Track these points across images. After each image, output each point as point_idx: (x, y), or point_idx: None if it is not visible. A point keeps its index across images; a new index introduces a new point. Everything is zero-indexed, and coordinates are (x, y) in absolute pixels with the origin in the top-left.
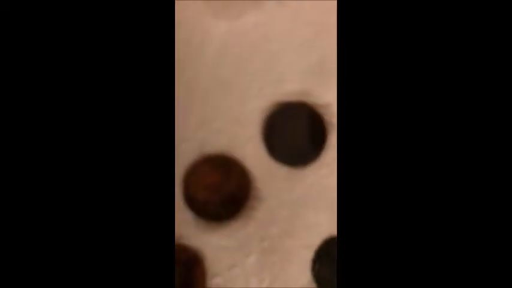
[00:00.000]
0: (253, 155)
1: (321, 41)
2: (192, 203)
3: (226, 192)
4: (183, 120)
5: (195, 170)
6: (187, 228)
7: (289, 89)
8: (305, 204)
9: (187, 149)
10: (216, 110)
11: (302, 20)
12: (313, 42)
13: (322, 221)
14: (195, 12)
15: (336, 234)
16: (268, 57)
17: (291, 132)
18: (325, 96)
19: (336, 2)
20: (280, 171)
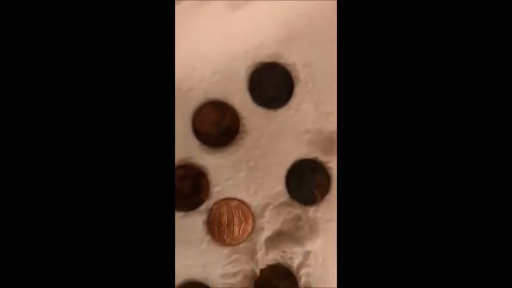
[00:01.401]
0: (241, 100)
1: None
2: (198, 134)
3: (222, 127)
4: (191, 75)
5: (200, 111)
6: (195, 151)
7: (266, 53)
8: (278, 135)
9: (194, 96)
10: (214, 67)
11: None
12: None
13: (291, 148)
14: None
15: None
16: (252, 30)
17: (267, 84)
18: (292, 58)
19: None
20: (260, 112)
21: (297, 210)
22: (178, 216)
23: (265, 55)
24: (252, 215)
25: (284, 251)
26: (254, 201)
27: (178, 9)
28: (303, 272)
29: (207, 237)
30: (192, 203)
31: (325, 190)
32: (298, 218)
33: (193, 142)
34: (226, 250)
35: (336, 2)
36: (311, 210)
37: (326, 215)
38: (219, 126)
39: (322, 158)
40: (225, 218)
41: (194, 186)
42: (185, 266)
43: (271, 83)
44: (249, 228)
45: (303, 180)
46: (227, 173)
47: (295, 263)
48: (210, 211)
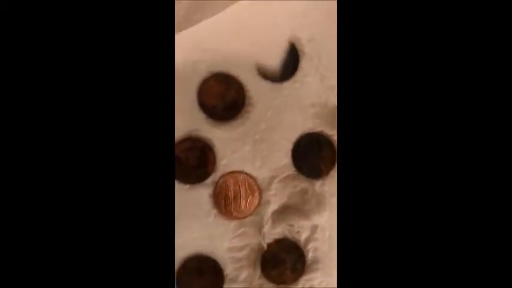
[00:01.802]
0: (247, 73)
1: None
2: (204, 107)
3: (228, 99)
4: (196, 48)
5: (206, 83)
6: (201, 124)
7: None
8: (284, 108)
9: (200, 68)
10: (220, 43)
11: None
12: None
13: (297, 121)
14: None
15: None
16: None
17: None
18: (297, 32)
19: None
20: (266, 85)
21: (304, 184)
22: (185, 189)
23: None
24: (259, 188)
25: (291, 225)
26: (260, 174)
27: None
28: (311, 246)
29: (214, 211)
30: (198, 175)
31: (332, 164)
32: (305, 191)
33: (199, 115)
34: (232, 223)
35: None
36: (317, 184)
37: (332, 188)
38: (224, 99)
39: (328, 131)
40: (231, 191)
41: (200, 159)
42: (191, 240)
43: None
44: (256, 201)
45: (309, 154)
46: (233, 146)
47: (302, 237)
48: (217, 184)
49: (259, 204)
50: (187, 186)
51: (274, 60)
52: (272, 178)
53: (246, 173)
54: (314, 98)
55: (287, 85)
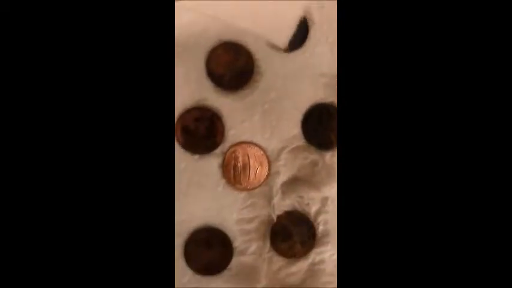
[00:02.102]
0: (256, 42)
1: None
2: (212, 76)
3: (237, 68)
4: (206, 18)
5: (214, 52)
6: (210, 94)
7: None
8: (294, 78)
9: (208, 37)
10: (228, 12)
11: None
12: None
13: (307, 91)
14: None
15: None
16: None
17: None
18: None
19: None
20: (275, 54)
21: (314, 155)
22: (193, 159)
23: None
24: (268, 159)
25: (301, 196)
26: (269, 145)
27: None
28: (321, 219)
29: (222, 181)
30: (207, 145)
31: None
32: (315, 163)
33: (208, 84)
34: (242, 194)
35: None
36: (328, 156)
37: None
38: (233, 68)
39: None
40: (240, 162)
41: (209, 128)
42: (200, 211)
43: None
44: (265, 172)
45: (320, 125)
46: (242, 116)
47: (312, 209)
48: (225, 155)
49: (268, 175)
50: (197, 156)
51: (285, 29)
52: (282, 148)
53: (255, 144)
54: (324, 68)
55: (297, 54)
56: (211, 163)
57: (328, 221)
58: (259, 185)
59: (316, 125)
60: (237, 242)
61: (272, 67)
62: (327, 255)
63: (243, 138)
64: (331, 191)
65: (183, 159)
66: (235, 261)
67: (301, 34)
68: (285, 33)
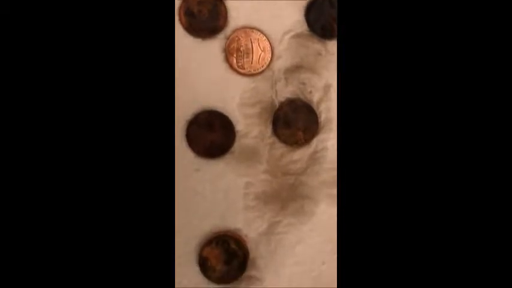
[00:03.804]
0: None
1: None
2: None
3: None
4: None
5: None
6: None
7: None
8: None
9: None
10: None
11: None
12: None
13: None
14: None
15: None
16: None
17: None
18: None
19: None
20: None
21: (316, 45)
22: (196, 42)
23: None
24: (271, 45)
25: (303, 83)
26: (272, 29)
27: None
28: (324, 107)
29: (225, 64)
30: (209, 29)
31: None
32: (318, 52)
33: None
34: (244, 79)
35: None
36: (330, 44)
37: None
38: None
39: None
40: (243, 46)
41: (212, 12)
42: (202, 95)
43: None
44: (268, 57)
45: (322, 13)
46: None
47: (315, 97)
48: (228, 38)
49: (271, 61)
50: (200, 39)
51: None
52: (285, 33)
53: (258, 28)
54: None
55: None
56: (215, 46)
57: (330, 109)
58: (262, 70)
59: (319, 13)
60: (240, 126)
61: None
62: (329, 143)
63: (246, 22)
64: (334, 78)
65: (185, 43)
66: (238, 143)
67: None
68: None
